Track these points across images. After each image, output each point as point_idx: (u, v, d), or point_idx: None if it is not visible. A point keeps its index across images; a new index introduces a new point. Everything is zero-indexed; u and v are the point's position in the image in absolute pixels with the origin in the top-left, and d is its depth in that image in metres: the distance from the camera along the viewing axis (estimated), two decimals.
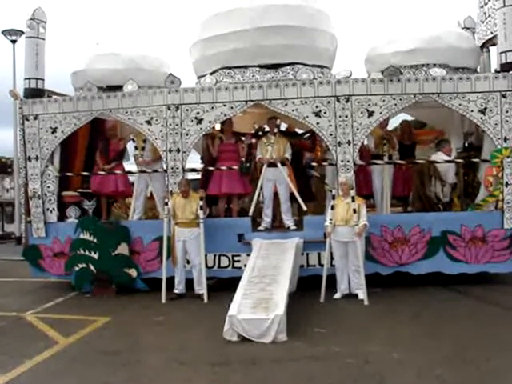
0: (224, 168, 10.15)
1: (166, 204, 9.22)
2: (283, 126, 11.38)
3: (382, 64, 10.09)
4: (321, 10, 10.93)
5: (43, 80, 10.55)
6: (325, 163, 10.47)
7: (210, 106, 9.71)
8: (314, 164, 10.98)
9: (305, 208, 9.87)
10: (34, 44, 10.46)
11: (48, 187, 10.28)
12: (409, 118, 12.16)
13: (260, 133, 10.96)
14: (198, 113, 9.73)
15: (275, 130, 10.17)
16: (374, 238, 9.41)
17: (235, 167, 10.13)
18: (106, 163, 10.62)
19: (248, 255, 9.07)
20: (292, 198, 10.05)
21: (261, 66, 10.43)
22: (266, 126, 10.83)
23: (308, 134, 11.51)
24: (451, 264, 9.43)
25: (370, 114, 9.49)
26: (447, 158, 10.26)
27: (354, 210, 8.61)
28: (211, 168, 10.38)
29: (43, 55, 10.57)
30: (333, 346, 6.30)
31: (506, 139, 9.37)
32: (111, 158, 10.73)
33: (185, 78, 10.18)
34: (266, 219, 10.11)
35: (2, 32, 21.21)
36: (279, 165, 9.84)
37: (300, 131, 11.94)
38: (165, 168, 9.94)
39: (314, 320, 7.45)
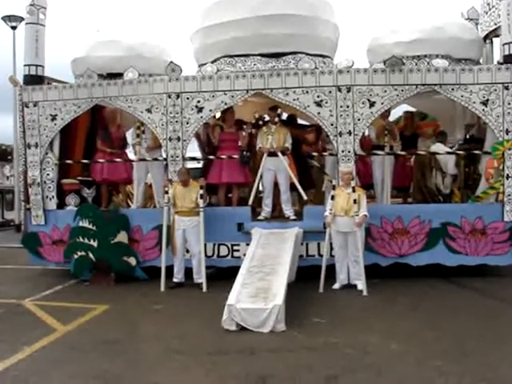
0: (224, 157, 10.11)
1: (167, 192, 9.20)
2: (284, 116, 11.32)
3: (384, 54, 10.04)
4: None
5: (43, 67, 10.48)
6: (325, 153, 10.44)
7: (211, 94, 9.66)
8: (314, 154, 10.96)
9: (305, 197, 9.85)
10: (33, 30, 10.38)
11: (47, 175, 10.25)
12: (410, 108, 12.12)
13: (260, 122, 10.91)
14: (198, 101, 9.68)
15: (276, 120, 10.12)
16: (373, 229, 9.39)
17: (236, 156, 10.09)
18: (110, 152, 10.55)
19: (247, 244, 9.06)
20: (292, 187, 10.02)
21: (262, 55, 10.39)
22: (266, 116, 10.79)
23: (311, 128, 11.46)
24: (451, 256, 9.42)
25: (372, 104, 9.44)
26: (447, 150, 10.24)
27: (355, 201, 8.59)
28: (211, 157, 10.33)
29: (43, 42, 10.49)
30: (331, 336, 6.29)
31: (507, 131, 9.33)
32: (116, 146, 10.67)
33: (186, 66, 10.14)
34: (266, 209, 10.08)
35: (2, 18, 21.12)
36: (279, 154, 9.77)
37: (303, 123, 11.90)
38: (165, 156, 9.91)
39: (313, 310, 7.45)
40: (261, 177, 9.96)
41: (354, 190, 8.70)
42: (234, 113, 10.42)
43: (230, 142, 10.29)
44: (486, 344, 5.96)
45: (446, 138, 10.80)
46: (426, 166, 10.37)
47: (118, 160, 10.52)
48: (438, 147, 10.36)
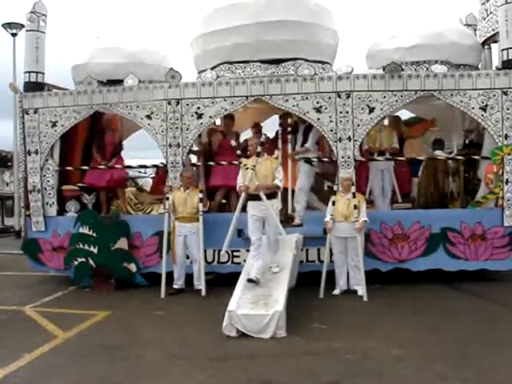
0: (224, 163, 10.12)
1: (167, 199, 9.21)
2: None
3: (384, 60, 10.07)
4: (323, 5, 10.90)
5: (43, 74, 10.51)
6: (325, 159, 10.43)
7: (211, 100, 9.69)
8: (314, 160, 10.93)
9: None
10: (34, 37, 10.42)
11: (47, 181, 10.27)
12: (410, 114, 12.14)
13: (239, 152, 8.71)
14: (198, 107, 9.71)
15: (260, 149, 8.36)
16: (373, 235, 9.39)
17: (235, 162, 10.06)
18: (102, 158, 10.46)
19: (248, 251, 9.01)
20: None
21: (262, 61, 10.41)
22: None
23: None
24: (451, 261, 9.42)
25: (371, 110, 9.47)
26: (446, 155, 10.30)
27: (355, 206, 8.61)
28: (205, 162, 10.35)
29: (43, 49, 10.53)
30: (332, 341, 6.30)
31: (506, 136, 9.36)
32: (109, 152, 10.54)
33: (185, 72, 10.18)
34: (253, 271, 7.71)
35: (3, 25, 21.18)
36: (264, 198, 7.92)
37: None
38: (165, 163, 9.92)
39: (313, 316, 7.45)
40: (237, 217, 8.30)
41: (354, 196, 8.72)
42: (233, 119, 10.44)
43: (228, 149, 10.28)
44: (486, 348, 5.97)
45: (444, 144, 10.85)
46: (439, 172, 10.36)
47: (118, 166, 10.52)
48: (437, 154, 10.41)
